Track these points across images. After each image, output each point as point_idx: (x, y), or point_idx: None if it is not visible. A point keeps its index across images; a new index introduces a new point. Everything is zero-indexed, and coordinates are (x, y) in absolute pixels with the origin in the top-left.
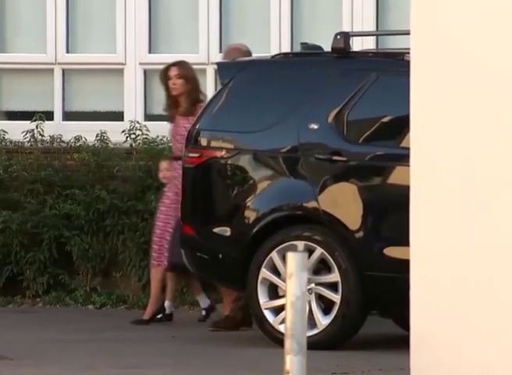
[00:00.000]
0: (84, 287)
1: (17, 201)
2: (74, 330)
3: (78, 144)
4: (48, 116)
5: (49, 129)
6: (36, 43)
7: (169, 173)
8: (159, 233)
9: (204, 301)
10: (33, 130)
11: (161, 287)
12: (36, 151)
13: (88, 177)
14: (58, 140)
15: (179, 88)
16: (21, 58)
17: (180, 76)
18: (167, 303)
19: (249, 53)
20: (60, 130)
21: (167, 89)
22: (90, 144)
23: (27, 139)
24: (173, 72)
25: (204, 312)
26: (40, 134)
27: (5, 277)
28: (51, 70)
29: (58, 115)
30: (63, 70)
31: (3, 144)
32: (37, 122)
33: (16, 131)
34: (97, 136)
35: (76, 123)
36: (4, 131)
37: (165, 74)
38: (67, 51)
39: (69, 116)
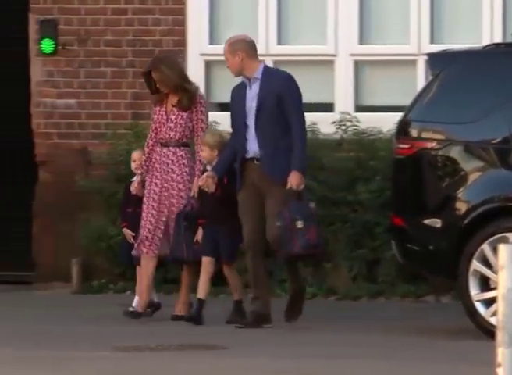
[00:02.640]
0: None
1: None
2: (283, 321)
3: None
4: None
5: None
6: (248, 34)
7: (141, 163)
8: (153, 221)
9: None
10: None
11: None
12: None
13: None
14: None
15: (165, 88)
16: None
17: (160, 79)
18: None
19: (253, 43)
20: None
21: (154, 87)
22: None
23: None
24: (154, 77)
25: (132, 309)
26: None
27: (217, 268)
28: (263, 62)
29: None
30: (274, 62)
31: None
32: None
33: (227, 122)
34: (307, 127)
35: None
36: (216, 122)
37: (147, 76)
38: (278, 43)
39: None
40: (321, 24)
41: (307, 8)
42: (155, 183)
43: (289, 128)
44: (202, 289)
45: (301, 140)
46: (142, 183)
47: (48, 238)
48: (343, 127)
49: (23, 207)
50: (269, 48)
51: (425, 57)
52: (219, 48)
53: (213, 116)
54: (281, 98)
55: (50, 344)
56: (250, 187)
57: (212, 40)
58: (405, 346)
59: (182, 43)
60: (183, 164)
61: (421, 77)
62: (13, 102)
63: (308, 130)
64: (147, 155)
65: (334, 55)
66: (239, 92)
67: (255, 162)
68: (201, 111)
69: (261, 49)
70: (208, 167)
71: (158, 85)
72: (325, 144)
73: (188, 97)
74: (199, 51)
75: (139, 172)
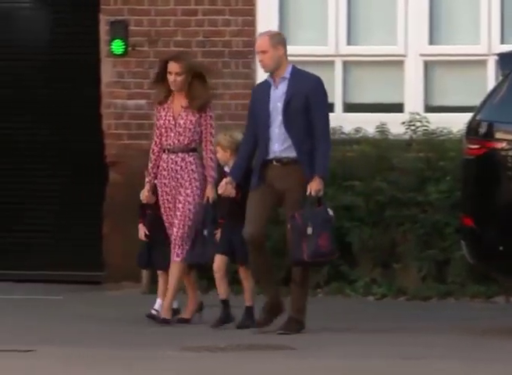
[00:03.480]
0: (364, 278)
1: None
2: (353, 321)
3: (358, 136)
4: (329, 107)
5: (330, 120)
6: (317, 35)
7: (148, 170)
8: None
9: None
10: None
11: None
12: None
13: (368, 169)
14: (339, 131)
15: (179, 85)
16: (302, 50)
17: (181, 73)
18: (159, 302)
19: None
20: (340, 121)
21: (164, 81)
22: (370, 135)
23: None
24: (174, 68)
25: (154, 312)
26: None
27: (287, 268)
28: (332, 62)
29: (338, 106)
30: (344, 62)
31: None
32: None
33: None
34: (377, 127)
35: (357, 115)
36: None
37: (164, 67)
38: (348, 44)
39: (349, 107)
40: (391, 24)
41: (376, 9)
42: (166, 192)
43: (312, 131)
44: (223, 289)
45: (325, 145)
46: (152, 191)
47: (118, 239)
48: (413, 128)
49: (94, 208)
50: (339, 49)
51: (495, 57)
52: (289, 49)
53: None
54: (309, 99)
55: (122, 344)
56: (267, 188)
57: None
58: (475, 347)
59: (251, 44)
60: (192, 170)
61: (491, 77)
62: (84, 103)
63: (378, 130)
64: (153, 162)
65: (404, 56)
66: (262, 92)
67: (274, 163)
68: (210, 116)
69: (330, 50)
70: (226, 168)
71: (173, 80)
72: (395, 145)
73: (203, 101)
74: None
75: (147, 179)
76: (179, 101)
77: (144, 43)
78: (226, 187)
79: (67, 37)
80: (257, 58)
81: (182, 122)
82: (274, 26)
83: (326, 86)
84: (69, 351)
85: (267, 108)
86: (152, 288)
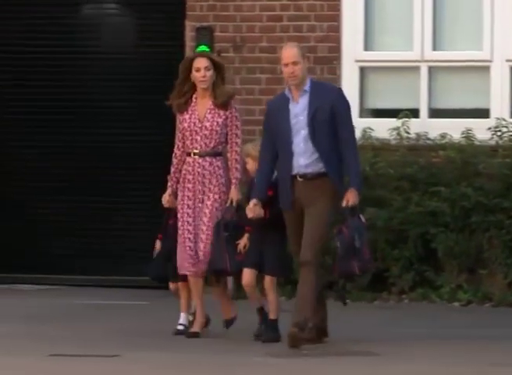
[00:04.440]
0: (450, 284)
1: (383, 198)
2: (439, 327)
3: (443, 142)
4: (414, 113)
5: (415, 126)
6: (402, 41)
7: (170, 175)
8: (192, 238)
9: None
10: (398, 127)
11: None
12: (401, 149)
13: (454, 174)
14: (424, 137)
15: (209, 80)
16: (388, 56)
17: (210, 68)
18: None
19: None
20: (426, 127)
21: (186, 80)
22: (456, 141)
23: (393, 136)
24: (203, 63)
25: (182, 327)
26: (406, 132)
27: (372, 274)
28: (418, 68)
29: (423, 112)
30: (429, 68)
31: (369, 141)
32: (402, 119)
33: (382, 128)
34: (462, 133)
35: (442, 121)
36: (370, 129)
37: (189, 65)
38: (433, 49)
39: (434, 113)
40: (476, 30)
41: (462, 14)
42: (188, 197)
43: (338, 143)
44: (256, 300)
45: (357, 155)
46: (174, 195)
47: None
48: (499, 133)
49: None
50: (424, 54)
51: None
52: (374, 55)
53: (366, 122)
54: (333, 111)
55: (202, 350)
56: (295, 205)
57: (367, 46)
58: None
59: (336, 49)
60: (220, 175)
61: None
62: (170, 109)
63: (463, 136)
64: (176, 166)
65: (490, 61)
66: (279, 107)
67: (298, 178)
68: (236, 116)
69: (416, 55)
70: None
71: (203, 75)
72: (481, 150)
73: (228, 96)
74: (354, 58)
75: (169, 184)
76: (203, 103)
77: (229, 49)
78: (255, 210)
79: (153, 43)
80: (285, 70)
81: (208, 124)
82: (359, 32)
83: (411, 91)
84: (155, 357)
85: (287, 124)
86: (238, 294)
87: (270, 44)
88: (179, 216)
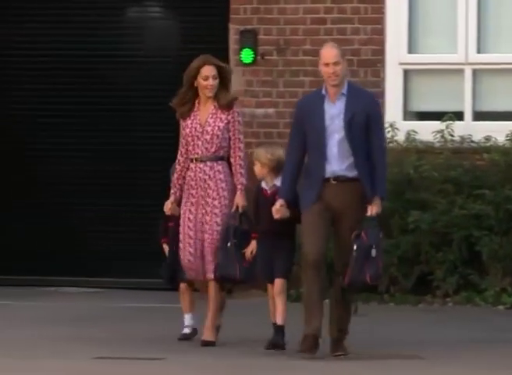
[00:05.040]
0: (494, 287)
1: (427, 201)
2: (483, 331)
3: (488, 144)
4: (458, 116)
5: (459, 129)
6: (447, 43)
7: (173, 182)
8: (192, 243)
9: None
10: (442, 130)
11: None
12: (446, 151)
13: (498, 177)
14: (468, 140)
15: (216, 88)
16: (431, 58)
17: (216, 76)
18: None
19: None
20: (470, 130)
21: (190, 88)
22: (500, 144)
23: (437, 139)
24: (211, 71)
25: (188, 330)
26: (450, 134)
27: (416, 277)
28: (462, 70)
29: (468, 115)
30: (474, 70)
31: (413, 144)
32: (446, 122)
33: (426, 131)
34: (506, 136)
35: (486, 123)
36: (414, 131)
37: (196, 73)
38: (478, 52)
39: (478, 116)
40: None
41: (507, 16)
42: (191, 203)
43: (369, 148)
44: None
45: (385, 164)
46: (176, 203)
47: None
48: None
49: None
50: (468, 57)
51: None
52: (418, 57)
53: (410, 124)
54: (369, 117)
55: (245, 353)
56: (324, 208)
57: (411, 49)
58: None
59: (380, 52)
60: (220, 179)
61: None
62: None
63: (507, 138)
64: (179, 173)
65: None
66: (313, 107)
67: (332, 181)
68: (238, 121)
69: (460, 58)
70: (264, 184)
71: (212, 84)
72: None
73: (231, 98)
74: (398, 60)
75: (172, 191)
76: (205, 109)
77: (272, 52)
78: (281, 211)
79: (197, 46)
80: (326, 69)
81: (209, 129)
82: (403, 35)
83: (455, 94)
84: (200, 360)
85: (322, 125)
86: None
87: (314, 47)
88: (181, 221)
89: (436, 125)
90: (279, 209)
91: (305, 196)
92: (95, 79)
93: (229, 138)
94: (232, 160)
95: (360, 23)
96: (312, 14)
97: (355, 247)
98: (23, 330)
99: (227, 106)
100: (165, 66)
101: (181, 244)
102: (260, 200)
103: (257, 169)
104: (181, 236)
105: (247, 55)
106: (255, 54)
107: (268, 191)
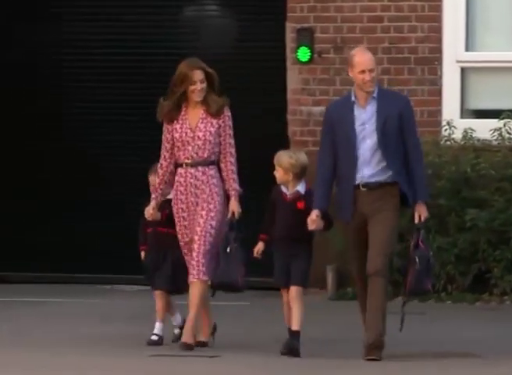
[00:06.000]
0: None
1: (485, 199)
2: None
3: None
4: None
5: None
6: (504, 41)
7: (155, 186)
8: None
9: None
10: (500, 128)
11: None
12: (503, 149)
13: None
14: None
15: (204, 93)
16: (490, 56)
17: (204, 80)
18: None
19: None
20: None
21: (178, 91)
22: None
23: (494, 137)
24: (198, 76)
25: (155, 338)
26: (508, 132)
27: (473, 275)
28: None
29: None
30: None
31: (471, 142)
32: (504, 120)
33: (484, 129)
34: None
35: None
36: (472, 129)
37: (185, 77)
38: None
39: None
40: None
41: None
42: (182, 209)
43: (403, 152)
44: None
45: (422, 164)
46: (157, 208)
47: None
48: None
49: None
50: None
51: None
52: (476, 55)
53: (468, 123)
54: (402, 120)
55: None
56: (358, 217)
57: (468, 46)
58: None
59: (438, 50)
60: (213, 184)
61: None
62: (270, 110)
63: None
64: (161, 177)
65: None
66: (343, 112)
67: (361, 188)
68: (229, 125)
69: None
70: (283, 188)
71: (201, 89)
72: None
73: (221, 104)
74: (455, 58)
75: (153, 196)
76: (195, 113)
77: (329, 50)
78: (317, 222)
79: (253, 44)
80: (361, 76)
81: (201, 134)
82: (460, 32)
83: None
84: (255, 358)
85: (353, 130)
86: (338, 294)
87: (371, 44)
88: (177, 228)
89: (494, 123)
90: (314, 220)
91: (340, 207)
92: (152, 76)
93: (220, 143)
94: (222, 165)
95: (417, 21)
96: (369, 12)
97: (417, 258)
98: (80, 328)
99: (217, 114)
100: (221, 65)
101: (184, 250)
102: (278, 204)
103: (280, 174)
104: (181, 243)
105: (303, 54)
106: (312, 52)
107: (288, 196)
